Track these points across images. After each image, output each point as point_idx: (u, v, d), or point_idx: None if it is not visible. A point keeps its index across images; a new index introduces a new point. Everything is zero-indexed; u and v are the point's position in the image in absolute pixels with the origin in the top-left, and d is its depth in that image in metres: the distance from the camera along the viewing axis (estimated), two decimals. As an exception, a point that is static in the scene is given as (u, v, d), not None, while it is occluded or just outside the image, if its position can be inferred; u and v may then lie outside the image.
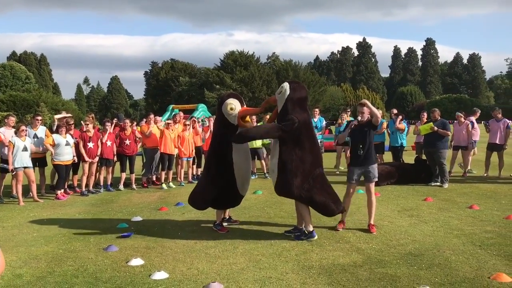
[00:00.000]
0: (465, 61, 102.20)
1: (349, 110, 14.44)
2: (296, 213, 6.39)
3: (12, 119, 9.91)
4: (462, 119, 11.52)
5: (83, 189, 10.00)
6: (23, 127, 9.23)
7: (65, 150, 9.56)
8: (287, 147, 5.94)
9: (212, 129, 7.07)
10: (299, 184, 5.87)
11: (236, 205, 6.88)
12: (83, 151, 9.84)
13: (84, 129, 10.09)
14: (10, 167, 8.91)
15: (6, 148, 9.24)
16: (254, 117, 12.88)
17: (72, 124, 10.59)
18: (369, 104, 6.48)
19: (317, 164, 6.09)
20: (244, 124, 6.46)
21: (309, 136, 6.11)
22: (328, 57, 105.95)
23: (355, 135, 6.57)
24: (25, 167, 9.07)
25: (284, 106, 6.08)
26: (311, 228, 6.03)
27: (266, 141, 12.33)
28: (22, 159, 8.98)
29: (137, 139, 10.88)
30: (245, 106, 6.65)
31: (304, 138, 5.99)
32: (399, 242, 5.77)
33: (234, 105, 6.39)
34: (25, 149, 9.01)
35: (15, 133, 9.21)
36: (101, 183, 10.39)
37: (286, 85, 6.20)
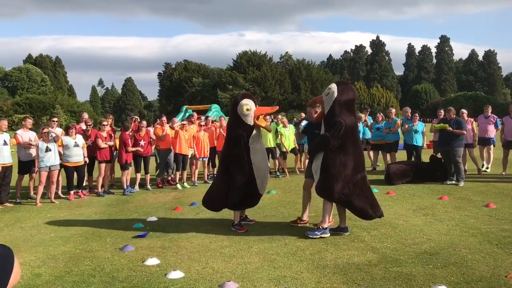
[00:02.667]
0: (480, 58, 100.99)
1: (369, 109, 14.34)
2: (337, 212, 6.35)
3: (29, 121, 10.08)
4: (466, 116, 11.44)
5: (99, 189, 10.12)
6: (46, 129, 9.38)
7: (73, 152, 9.56)
8: (332, 151, 5.92)
9: (225, 130, 7.13)
10: (340, 190, 5.87)
11: (254, 205, 6.92)
12: (102, 144, 9.97)
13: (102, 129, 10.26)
14: (36, 169, 9.09)
15: (24, 149, 9.42)
16: (267, 117, 12.97)
17: (91, 125, 10.73)
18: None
19: (359, 169, 6.03)
20: (260, 124, 6.51)
21: (353, 140, 6.07)
22: (341, 56, 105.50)
23: (311, 134, 6.83)
24: (50, 168, 9.22)
25: (331, 108, 6.03)
26: (326, 225, 6.06)
27: (278, 140, 12.34)
28: (44, 160, 9.12)
29: (152, 140, 10.97)
30: (257, 105, 6.70)
31: (349, 142, 5.95)
32: (414, 241, 5.74)
33: (250, 106, 6.43)
34: (47, 150, 9.14)
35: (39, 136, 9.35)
36: (125, 186, 10.43)
37: (334, 87, 6.10)
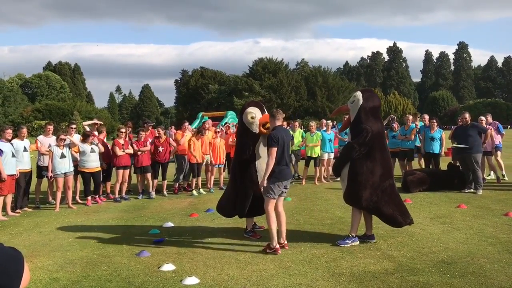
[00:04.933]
0: (499, 64, 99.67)
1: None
2: (364, 220, 6.26)
3: (50, 128, 10.27)
4: (484, 124, 11.24)
5: (116, 195, 10.22)
6: (62, 136, 9.52)
7: (90, 158, 9.66)
8: (359, 158, 5.91)
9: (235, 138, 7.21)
10: (368, 197, 5.87)
11: (263, 213, 6.88)
12: (119, 152, 10.09)
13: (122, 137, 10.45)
14: (49, 174, 9.24)
15: (42, 156, 9.58)
16: (285, 122, 12.91)
17: (103, 131, 10.89)
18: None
19: (387, 176, 6.01)
20: (265, 131, 6.46)
21: (381, 147, 6.06)
22: (357, 63, 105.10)
23: None
24: (65, 174, 9.36)
25: (357, 116, 6.06)
26: (354, 234, 6.06)
27: (295, 147, 12.32)
28: (60, 166, 9.25)
29: (171, 146, 11.02)
30: (266, 113, 6.65)
31: (376, 149, 5.94)
32: (431, 249, 5.67)
33: (255, 114, 6.42)
34: (63, 156, 9.28)
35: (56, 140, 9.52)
36: (140, 190, 10.63)
37: (359, 94, 6.15)
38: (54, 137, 10.04)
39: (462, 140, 9.94)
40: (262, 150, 6.48)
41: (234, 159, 6.96)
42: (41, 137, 9.96)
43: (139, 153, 10.38)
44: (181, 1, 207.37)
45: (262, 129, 6.38)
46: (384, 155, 6.07)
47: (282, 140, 5.82)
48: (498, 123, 12.00)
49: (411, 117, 12.62)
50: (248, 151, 6.40)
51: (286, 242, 5.91)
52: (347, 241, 5.98)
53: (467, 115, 10.21)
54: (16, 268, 1.50)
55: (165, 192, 10.88)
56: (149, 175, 10.59)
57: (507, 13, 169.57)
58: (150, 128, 11.82)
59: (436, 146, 11.32)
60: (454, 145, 10.32)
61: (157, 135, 10.98)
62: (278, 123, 6.03)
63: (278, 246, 5.73)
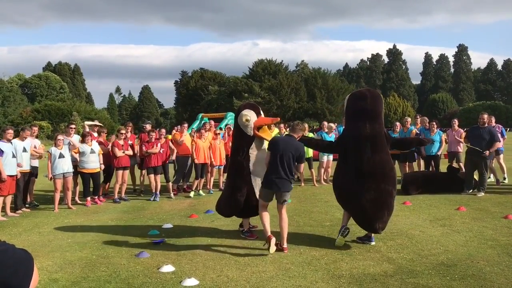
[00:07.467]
0: (499, 67, 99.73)
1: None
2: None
3: (35, 129, 10.13)
4: (457, 127, 11.33)
5: (116, 196, 10.21)
6: (60, 137, 9.52)
7: (90, 158, 9.67)
8: (338, 159, 6.41)
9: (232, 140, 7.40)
10: (337, 196, 6.30)
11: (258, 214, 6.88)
12: (118, 153, 10.10)
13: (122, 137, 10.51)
14: (50, 176, 9.23)
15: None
16: (281, 125, 12.98)
17: (104, 132, 10.92)
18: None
19: (359, 179, 5.97)
20: (260, 134, 6.49)
21: (357, 150, 5.97)
22: (357, 65, 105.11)
23: None
24: (64, 174, 9.34)
25: (345, 119, 6.63)
26: (343, 224, 6.19)
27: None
28: (59, 167, 9.24)
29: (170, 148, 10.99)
30: (262, 115, 6.67)
31: (350, 152, 6.08)
32: (431, 252, 5.67)
33: (249, 116, 6.49)
34: (61, 156, 9.27)
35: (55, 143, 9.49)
36: (153, 191, 10.54)
37: (346, 99, 6.49)
38: (37, 140, 10.02)
39: (475, 142, 9.82)
40: (255, 152, 6.54)
41: (230, 160, 7.10)
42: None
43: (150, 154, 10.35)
44: (179, 2, 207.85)
45: (256, 132, 6.42)
46: (363, 157, 5.90)
47: (281, 150, 5.79)
48: (501, 126, 11.89)
49: (409, 119, 12.62)
50: (242, 153, 6.54)
51: (286, 246, 5.89)
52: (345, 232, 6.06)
53: (485, 116, 9.99)
54: (27, 270, 1.55)
55: (172, 194, 10.70)
56: (158, 176, 10.49)
57: (506, 16, 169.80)
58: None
59: (435, 148, 11.35)
60: (469, 145, 10.14)
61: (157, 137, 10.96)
62: (294, 135, 6.05)
63: (269, 234, 5.79)
